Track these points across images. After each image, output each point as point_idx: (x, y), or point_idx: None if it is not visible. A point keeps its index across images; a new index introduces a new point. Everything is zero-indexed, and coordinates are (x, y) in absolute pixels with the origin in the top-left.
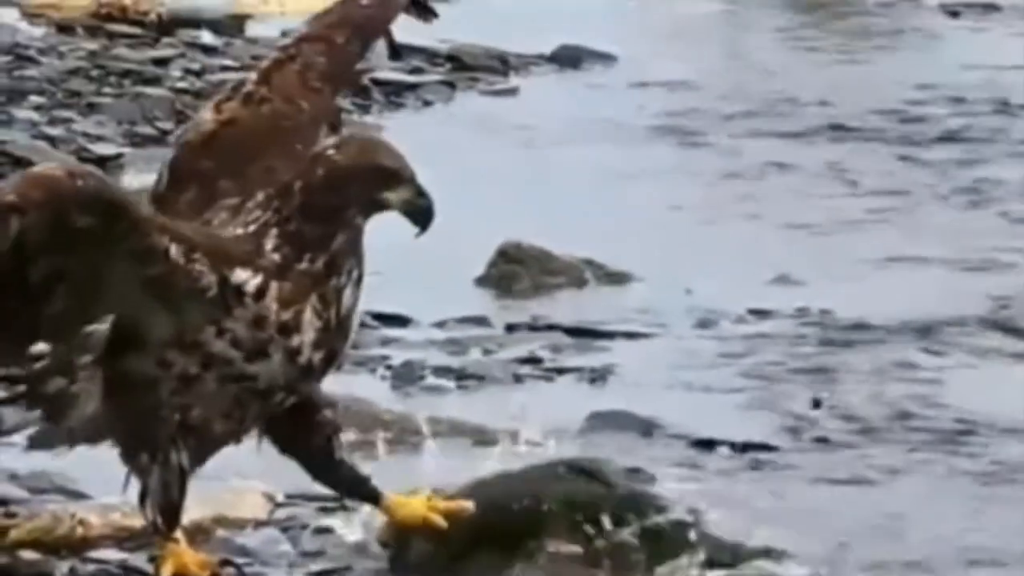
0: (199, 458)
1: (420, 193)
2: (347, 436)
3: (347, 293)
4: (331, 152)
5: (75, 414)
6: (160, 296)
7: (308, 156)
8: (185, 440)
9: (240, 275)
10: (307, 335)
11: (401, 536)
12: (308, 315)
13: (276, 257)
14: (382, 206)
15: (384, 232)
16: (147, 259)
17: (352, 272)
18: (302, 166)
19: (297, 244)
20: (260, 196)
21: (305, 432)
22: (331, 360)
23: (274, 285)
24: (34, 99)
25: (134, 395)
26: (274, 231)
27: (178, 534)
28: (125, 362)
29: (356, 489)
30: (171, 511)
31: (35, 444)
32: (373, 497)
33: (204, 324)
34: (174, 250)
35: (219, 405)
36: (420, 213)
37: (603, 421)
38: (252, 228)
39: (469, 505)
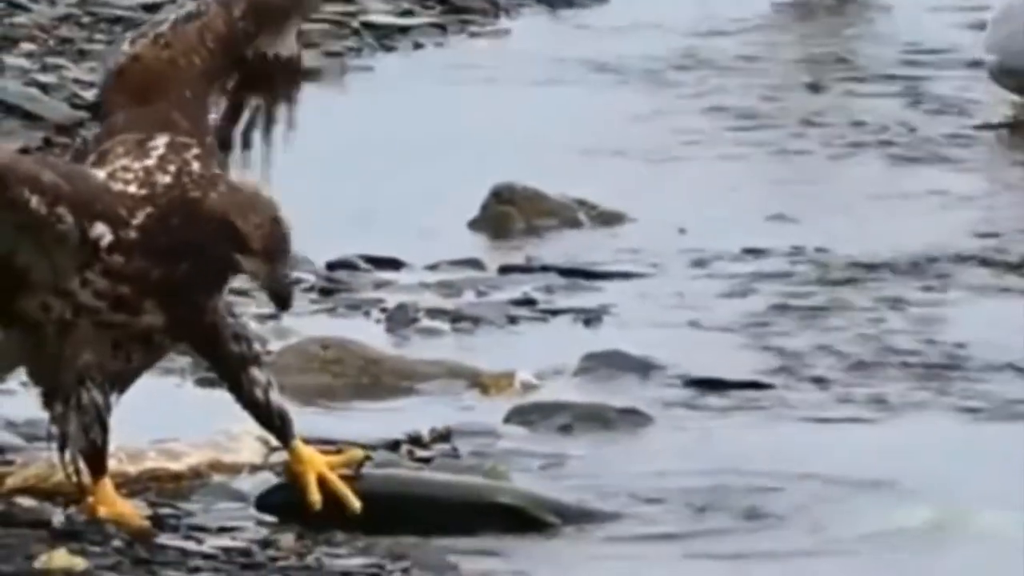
0: (113, 389)
1: (273, 277)
2: (340, 379)
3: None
4: (214, 192)
5: None
6: (34, 243)
7: (205, 175)
8: (92, 379)
9: (98, 229)
10: (151, 318)
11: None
12: (150, 304)
13: (135, 235)
14: (237, 268)
15: (377, 174)
16: (12, 209)
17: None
18: (193, 177)
19: (152, 240)
20: (161, 143)
21: (215, 365)
22: (183, 339)
23: (121, 258)
24: (25, 46)
25: (27, 337)
26: (149, 209)
27: (106, 481)
28: (15, 304)
29: (269, 426)
30: (95, 455)
31: None
32: (283, 438)
33: (71, 273)
34: (35, 201)
35: (102, 348)
36: (272, 293)
37: (598, 362)
38: (143, 191)
39: (359, 453)
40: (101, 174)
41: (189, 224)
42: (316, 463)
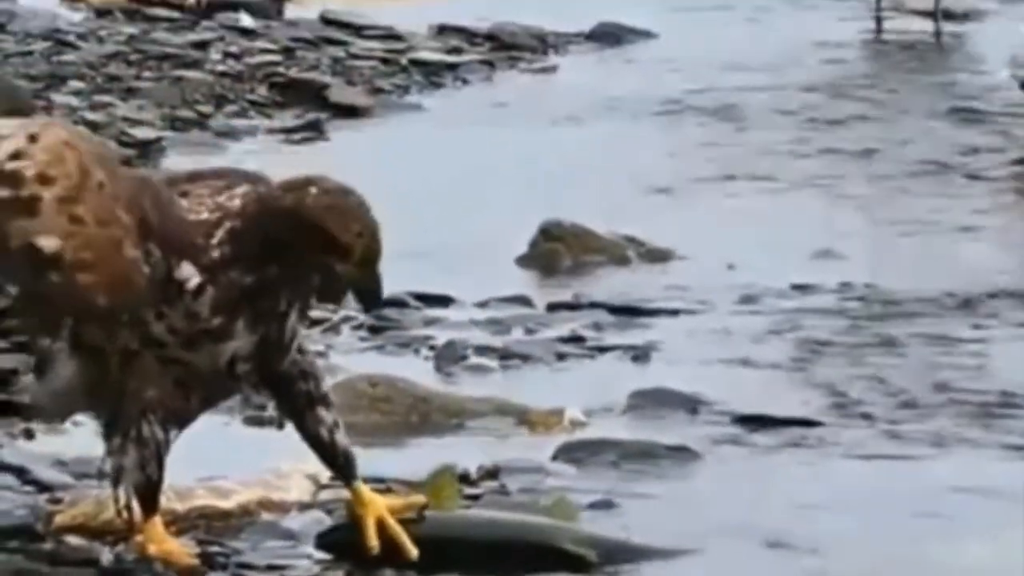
0: (172, 427)
1: (367, 278)
2: (389, 416)
3: (289, 321)
4: (306, 193)
5: (53, 375)
6: None
7: (287, 180)
8: (155, 413)
9: (185, 271)
10: (238, 343)
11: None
12: (240, 325)
13: (217, 253)
14: (329, 270)
15: (426, 211)
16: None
17: (290, 304)
18: (277, 185)
19: (237, 249)
20: (240, 191)
21: (281, 403)
22: (263, 374)
23: (210, 289)
24: (74, 84)
25: (90, 365)
26: (227, 224)
27: (156, 520)
28: (82, 329)
29: (332, 465)
30: (149, 492)
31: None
32: (346, 478)
33: (148, 305)
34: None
35: (164, 383)
36: (362, 294)
37: (647, 399)
38: (216, 215)
39: (420, 499)
40: (183, 204)
41: (279, 227)
42: (377, 506)
